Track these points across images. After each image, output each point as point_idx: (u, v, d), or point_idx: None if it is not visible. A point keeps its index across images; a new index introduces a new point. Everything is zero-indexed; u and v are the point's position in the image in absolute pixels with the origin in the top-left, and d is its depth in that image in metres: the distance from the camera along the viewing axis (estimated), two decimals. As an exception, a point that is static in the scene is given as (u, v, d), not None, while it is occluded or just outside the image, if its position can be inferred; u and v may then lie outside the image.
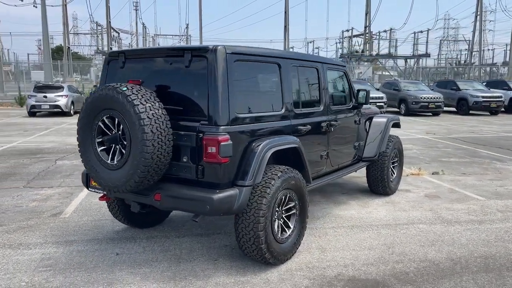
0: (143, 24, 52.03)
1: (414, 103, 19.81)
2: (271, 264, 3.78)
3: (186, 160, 3.51)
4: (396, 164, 6.43)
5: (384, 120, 6.07)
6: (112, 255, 4.10)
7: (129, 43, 59.61)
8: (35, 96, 18.30)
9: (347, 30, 53.17)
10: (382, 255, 4.12)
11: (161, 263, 3.93)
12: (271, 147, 3.67)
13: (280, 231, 3.86)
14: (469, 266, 3.90)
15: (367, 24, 47.52)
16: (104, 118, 3.48)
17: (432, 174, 7.67)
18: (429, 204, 5.83)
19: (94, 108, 3.53)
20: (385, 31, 52.81)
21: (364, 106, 6.24)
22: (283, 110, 4.07)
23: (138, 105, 3.26)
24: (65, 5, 38.65)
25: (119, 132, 3.43)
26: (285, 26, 40.27)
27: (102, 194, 4.01)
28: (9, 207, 5.61)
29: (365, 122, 5.96)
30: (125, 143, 3.39)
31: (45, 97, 18.20)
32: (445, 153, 9.86)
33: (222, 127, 3.40)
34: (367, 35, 48.22)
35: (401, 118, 18.63)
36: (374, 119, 6.06)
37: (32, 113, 18.45)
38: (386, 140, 5.96)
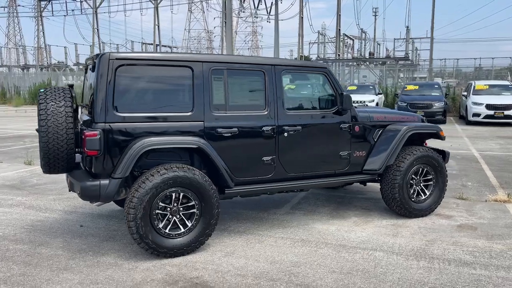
0: (361, 29, 51.91)
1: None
2: (151, 254, 4.03)
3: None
4: (431, 183, 5.37)
5: (400, 128, 5.20)
6: (77, 226, 5.04)
7: (357, 49, 60.54)
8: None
9: None
10: (269, 271, 3.81)
11: (95, 238, 4.64)
12: (146, 146, 3.92)
13: (169, 227, 4.05)
14: (338, 302, 3.28)
15: None
16: None
17: (528, 203, 5.95)
18: (443, 235, 4.73)
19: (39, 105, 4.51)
20: None
21: (395, 111, 5.51)
22: (191, 112, 4.21)
23: (42, 103, 4.07)
24: (301, 17, 42.24)
25: None
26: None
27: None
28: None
29: (377, 130, 5.24)
30: None
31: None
32: None
33: (97, 124, 3.89)
34: None
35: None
36: (388, 127, 5.26)
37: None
38: (396, 152, 5.11)
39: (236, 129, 4.38)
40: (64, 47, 55.19)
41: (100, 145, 3.86)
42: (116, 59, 3.97)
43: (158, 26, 49.95)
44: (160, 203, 3.99)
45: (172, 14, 58.00)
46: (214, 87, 4.34)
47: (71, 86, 4.40)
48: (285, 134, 4.61)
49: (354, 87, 20.91)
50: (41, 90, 4.20)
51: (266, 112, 4.55)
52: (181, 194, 4.05)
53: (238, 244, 4.45)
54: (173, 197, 4.03)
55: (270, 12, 46.80)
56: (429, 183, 5.38)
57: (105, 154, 3.91)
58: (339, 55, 43.83)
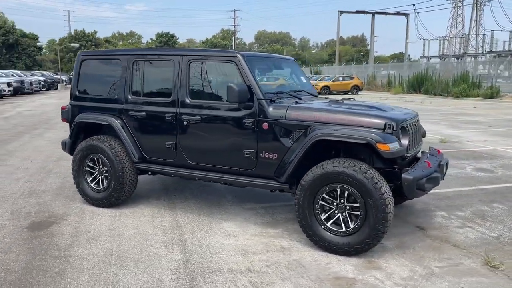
0: None
1: None
2: (82, 198, 5.43)
3: None
4: (358, 212, 3.83)
5: (310, 133, 3.99)
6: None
7: None
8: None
9: None
10: (82, 232, 4.46)
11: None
12: (80, 119, 5.30)
13: (95, 182, 5.31)
14: None
15: None
16: None
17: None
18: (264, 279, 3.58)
19: None
20: None
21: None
22: (117, 96, 5.15)
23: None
24: None
25: None
26: None
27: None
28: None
29: (297, 131, 4.21)
30: None
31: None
32: None
33: (71, 100, 5.61)
34: None
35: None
36: (309, 129, 4.12)
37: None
38: (295, 161, 4.03)
39: (144, 113, 4.97)
40: (483, 34, 53.33)
41: (68, 115, 5.59)
42: (82, 55, 5.53)
43: None
44: (89, 163, 5.31)
45: None
46: (134, 76, 5.08)
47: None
48: (185, 122, 4.72)
49: None
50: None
51: (170, 100, 4.83)
52: (99, 160, 5.20)
53: (141, 214, 5.04)
54: (95, 160, 5.24)
55: None
56: (357, 213, 3.85)
57: (71, 122, 5.60)
58: None
